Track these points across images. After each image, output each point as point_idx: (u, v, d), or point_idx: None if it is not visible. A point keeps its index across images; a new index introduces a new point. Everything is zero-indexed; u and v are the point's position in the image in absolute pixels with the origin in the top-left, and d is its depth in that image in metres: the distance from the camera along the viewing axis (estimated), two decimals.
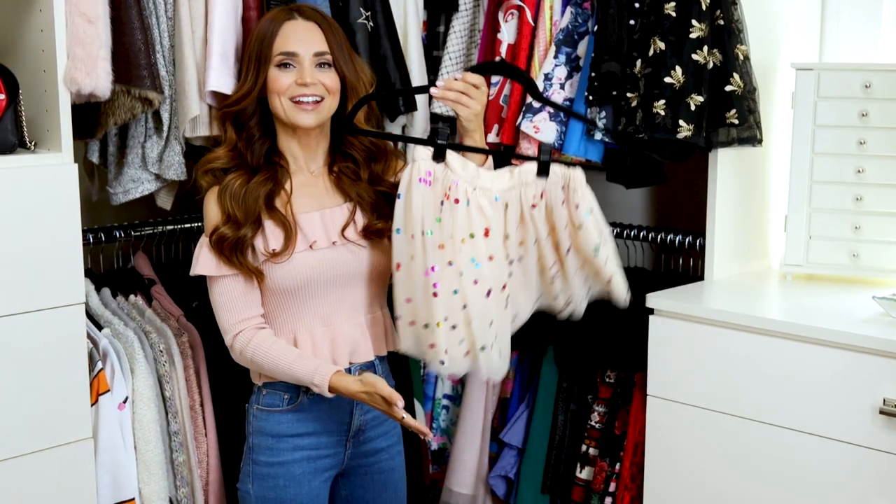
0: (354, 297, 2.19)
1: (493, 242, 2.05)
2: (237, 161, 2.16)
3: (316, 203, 2.19)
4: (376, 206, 2.20)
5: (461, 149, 2.10)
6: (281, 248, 2.11)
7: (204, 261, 2.11)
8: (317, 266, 2.13)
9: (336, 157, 2.24)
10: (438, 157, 2.02)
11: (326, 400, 2.17)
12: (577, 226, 2.07)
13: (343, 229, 2.16)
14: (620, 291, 2.16)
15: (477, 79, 2.10)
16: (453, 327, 2.04)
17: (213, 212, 2.13)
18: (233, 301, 2.11)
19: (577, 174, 2.06)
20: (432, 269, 2.01)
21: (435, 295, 2.01)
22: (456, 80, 2.09)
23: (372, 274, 2.21)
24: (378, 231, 2.18)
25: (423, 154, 2.02)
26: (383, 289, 2.26)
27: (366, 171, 2.22)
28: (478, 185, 2.04)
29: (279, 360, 2.09)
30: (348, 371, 2.18)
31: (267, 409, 2.18)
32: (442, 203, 2.02)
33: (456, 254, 2.02)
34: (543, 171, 2.06)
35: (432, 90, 2.10)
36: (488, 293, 2.05)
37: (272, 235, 2.12)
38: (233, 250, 2.08)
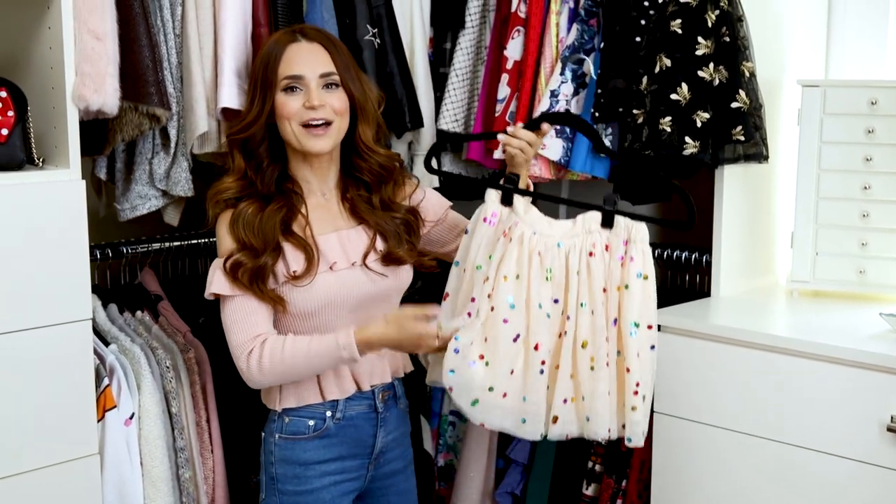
0: (373, 320, 2.17)
1: (536, 289, 2.05)
2: (248, 189, 2.13)
3: (331, 225, 2.18)
4: (395, 234, 2.20)
5: (528, 195, 2.16)
6: (303, 271, 2.09)
7: (218, 281, 2.08)
8: (336, 287, 2.12)
9: (347, 181, 2.23)
10: (506, 201, 2.11)
11: (351, 424, 2.16)
12: (624, 285, 2.06)
13: (365, 256, 2.15)
14: (636, 425, 2.08)
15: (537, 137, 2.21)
16: (456, 351, 2.03)
17: (226, 239, 2.10)
18: (245, 318, 2.07)
19: (642, 228, 2.07)
20: (472, 300, 2.06)
21: (469, 315, 2.05)
22: (523, 129, 2.19)
23: (389, 297, 2.21)
24: (398, 259, 2.18)
25: (492, 196, 2.12)
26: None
27: (377, 195, 2.22)
28: (538, 229, 2.07)
29: (297, 352, 2.04)
30: (371, 393, 2.18)
31: (292, 438, 2.15)
32: (498, 240, 2.06)
33: (494, 289, 2.04)
34: (608, 223, 2.07)
35: (499, 136, 2.20)
36: (515, 338, 2.05)
37: (293, 259, 2.10)
38: (253, 279, 2.05)
